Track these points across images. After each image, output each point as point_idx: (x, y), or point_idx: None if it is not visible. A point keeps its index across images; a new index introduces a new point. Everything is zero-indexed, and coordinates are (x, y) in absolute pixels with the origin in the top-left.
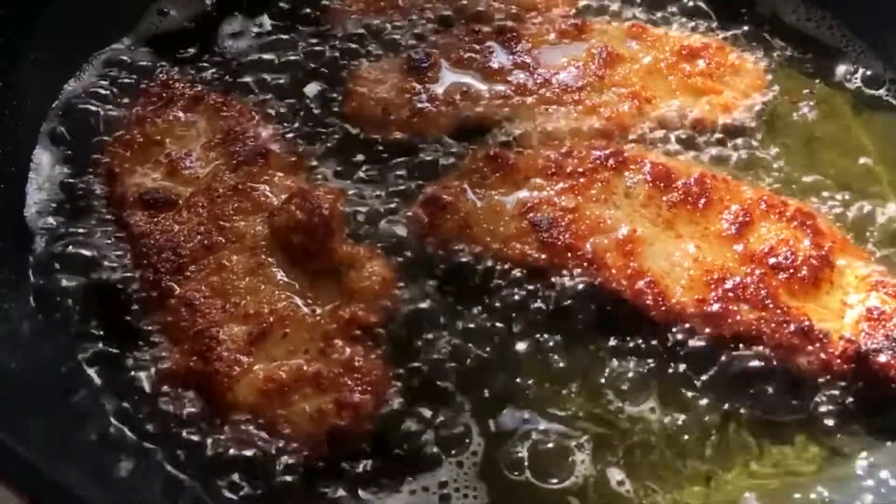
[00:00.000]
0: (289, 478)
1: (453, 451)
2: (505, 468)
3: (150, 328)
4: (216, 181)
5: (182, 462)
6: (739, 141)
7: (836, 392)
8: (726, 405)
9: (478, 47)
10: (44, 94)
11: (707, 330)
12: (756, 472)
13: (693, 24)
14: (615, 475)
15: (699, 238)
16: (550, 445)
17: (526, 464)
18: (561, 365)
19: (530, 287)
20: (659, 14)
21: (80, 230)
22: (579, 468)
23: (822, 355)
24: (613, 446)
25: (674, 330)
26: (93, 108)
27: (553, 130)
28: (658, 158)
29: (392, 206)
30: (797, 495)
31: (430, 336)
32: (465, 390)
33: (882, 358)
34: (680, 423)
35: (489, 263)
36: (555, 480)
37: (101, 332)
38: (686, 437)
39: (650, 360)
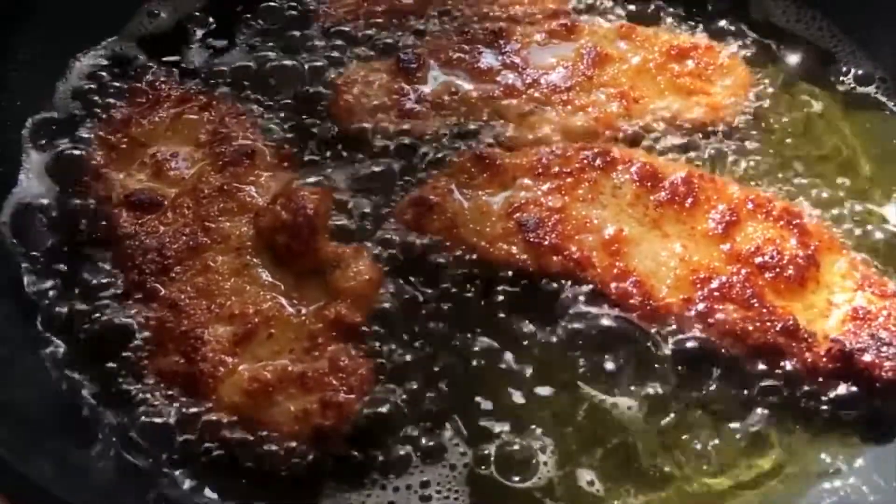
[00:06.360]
0: (272, 477)
1: (437, 453)
2: (486, 468)
3: (134, 329)
4: (202, 182)
5: (164, 462)
6: (727, 140)
7: (815, 393)
8: (701, 407)
9: (467, 48)
10: (33, 94)
11: (692, 330)
12: (733, 472)
13: (682, 24)
14: (584, 476)
15: (686, 237)
16: (517, 447)
17: (493, 461)
18: (544, 363)
19: (515, 288)
20: (649, 14)
21: (68, 231)
22: (545, 469)
23: (808, 355)
24: (586, 447)
25: (655, 330)
26: (81, 109)
27: (541, 130)
28: (645, 158)
29: (379, 206)
30: (771, 495)
31: (415, 335)
32: (449, 390)
33: (867, 357)
34: (655, 423)
35: (475, 264)
36: (518, 479)
37: (86, 334)
38: (659, 437)
39: (626, 362)
